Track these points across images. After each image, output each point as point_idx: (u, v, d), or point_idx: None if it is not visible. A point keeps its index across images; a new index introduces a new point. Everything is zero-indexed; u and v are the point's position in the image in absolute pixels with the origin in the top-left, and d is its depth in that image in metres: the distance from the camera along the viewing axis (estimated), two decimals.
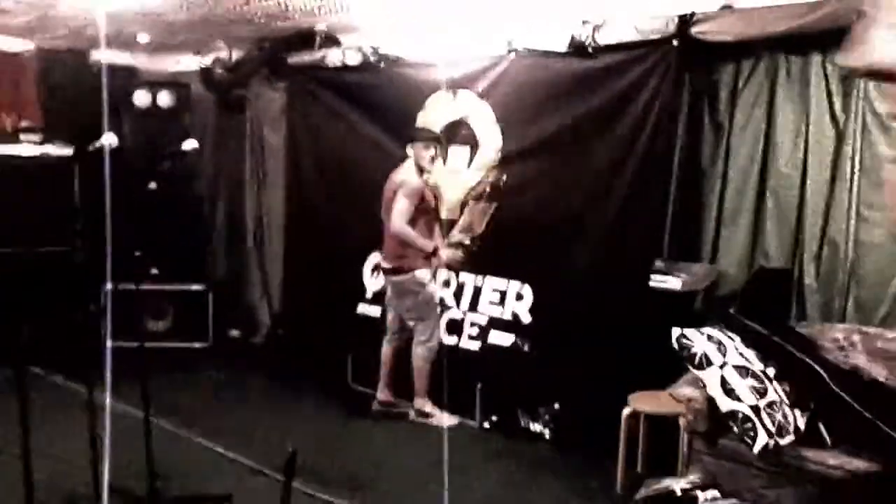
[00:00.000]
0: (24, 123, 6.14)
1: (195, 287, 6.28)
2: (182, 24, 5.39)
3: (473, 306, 5.00)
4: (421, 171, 4.71)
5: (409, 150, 4.74)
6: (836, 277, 3.82)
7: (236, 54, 6.27)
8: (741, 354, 3.36)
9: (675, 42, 4.03)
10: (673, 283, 3.99)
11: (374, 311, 5.47)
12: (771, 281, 3.99)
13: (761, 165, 4.06)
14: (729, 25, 3.91)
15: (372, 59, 5.35)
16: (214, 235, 6.96)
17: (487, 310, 4.94)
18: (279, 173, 6.28)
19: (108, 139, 3.67)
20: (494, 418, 4.72)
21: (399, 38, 5.20)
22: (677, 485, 3.16)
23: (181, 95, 6.32)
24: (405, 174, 4.69)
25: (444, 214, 5.03)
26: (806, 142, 3.90)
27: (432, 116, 5.13)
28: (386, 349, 5.00)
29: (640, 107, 4.21)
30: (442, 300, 5.01)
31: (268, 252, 6.47)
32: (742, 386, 3.23)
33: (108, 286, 4.99)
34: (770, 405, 3.20)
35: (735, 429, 3.19)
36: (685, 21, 3.99)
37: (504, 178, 4.83)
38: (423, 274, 4.72)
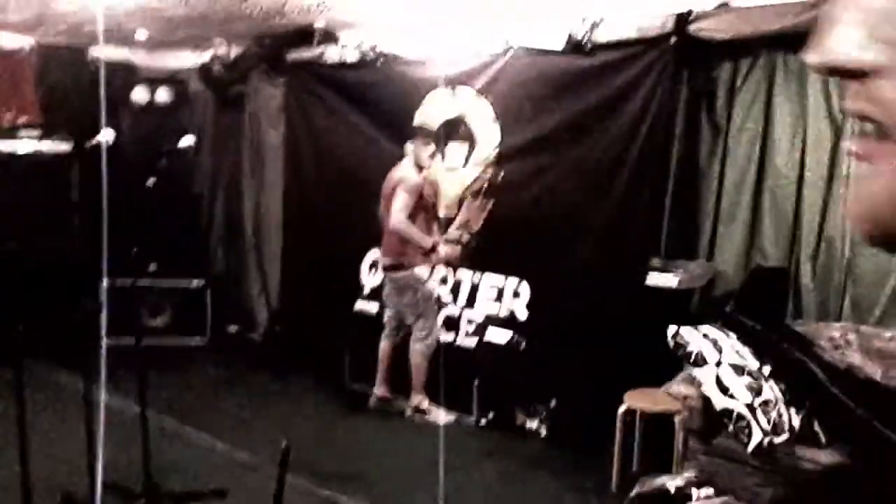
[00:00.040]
0: (22, 120, 6.14)
1: (193, 283, 6.29)
2: (181, 21, 5.39)
3: (470, 303, 5.01)
4: (420, 167, 4.71)
5: (409, 147, 4.75)
6: (833, 276, 3.83)
7: (235, 51, 6.27)
8: (737, 353, 3.37)
9: (672, 40, 4.03)
10: (670, 280, 3.99)
11: (371, 307, 5.48)
12: (767, 279, 4.00)
13: (759, 164, 4.07)
14: (726, 23, 3.92)
15: (370, 56, 5.35)
16: (213, 232, 6.97)
17: (484, 307, 4.95)
18: (277, 170, 6.28)
19: (105, 135, 3.67)
20: (491, 415, 4.73)
21: (397, 35, 5.20)
22: (672, 482, 3.17)
23: (179, 92, 6.33)
24: (404, 171, 4.70)
25: (441, 211, 5.04)
26: (803, 140, 3.90)
27: (430, 113, 5.13)
28: (384, 345, 5.00)
29: (637, 105, 4.21)
30: (439, 297, 5.01)
31: (266, 248, 6.48)
32: (737, 384, 3.24)
33: (105, 282, 4.99)
34: (765, 403, 3.21)
35: (730, 427, 3.20)
36: (683, 19, 3.99)
37: (501, 175, 4.84)
38: (422, 270, 4.73)
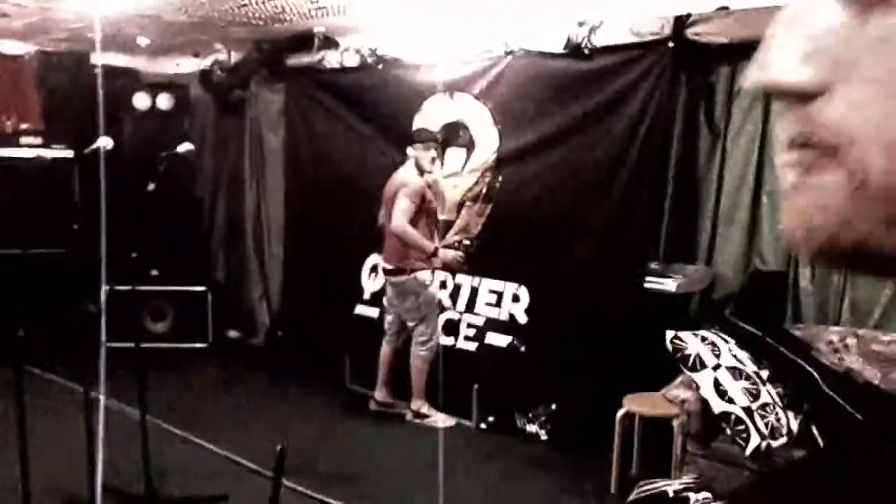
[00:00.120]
0: (24, 126, 6.16)
1: (195, 288, 6.30)
2: (181, 26, 5.41)
3: (470, 307, 5.02)
4: (422, 171, 4.72)
5: (410, 151, 4.76)
6: (831, 280, 3.83)
7: (235, 56, 6.30)
8: (735, 356, 3.37)
9: (671, 43, 4.04)
10: (668, 284, 4.00)
11: (371, 312, 5.48)
12: (766, 283, 4.00)
13: (757, 166, 4.07)
14: (725, 27, 3.92)
15: (370, 60, 5.37)
16: (214, 236, 6.98)
17: (484, 311, 4.95)
18: (278, 174, 6.30)
19: (103, 142, 3.69)
20: (491, 419, 4.73)
21: (397, 39, 5.22)
22: (670, 487, 3.17)
23: (181, 97, 6.35)
24: (406, 175, 4.70)
25: (441, 216, 5.05)
26: None
27: (430, 118, 5.14)
28: (385, 349, 5.01)
29: (636, 108, 4.21)
30: (440, 301, 5.02)
31: (267, 253, 6.49)
32: (735, 388, 3.24)
33: (103, 287, 5.01)
34: (763, 407, 3.21)
35: (728, 430, 3.20)
36: (681, 22, 4.00)
37: (500, 179, 4.85)
38: (424, 275, 4.73)
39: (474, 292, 5.00)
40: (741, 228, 4.12)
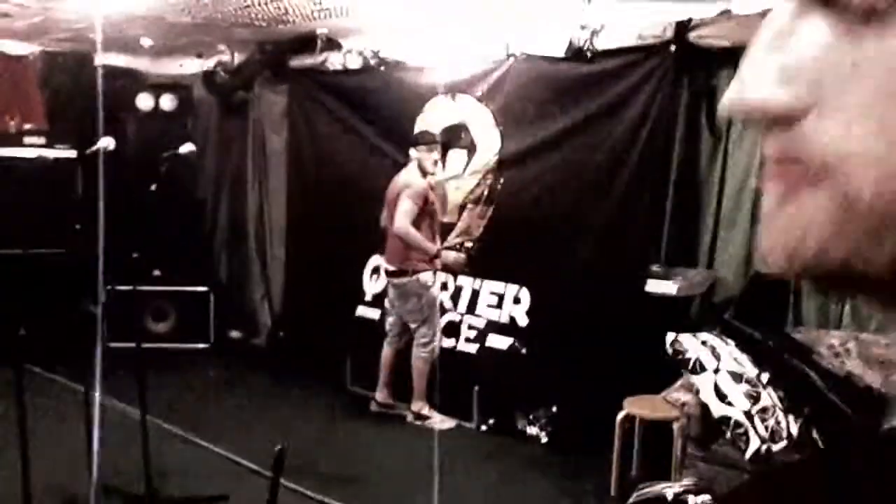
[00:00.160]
0: (28, 126, 6.18)
1: (197, 288, 6.31)
2: (184, 27, 5.43)
3: (471, 309, 5.02)
4: (424, 173, 4.72)
5: (413, 153, 4.76)
6: None
7: (238, 58, 6.31)
8: (735, 360, 3.37)
9: (672, 47, 4.04)
10: (669, 288, 4.00)
11: (373, 313, 5.49)
12: (767, 286, 3.99)
13: (759, 170, 4.06)
14: (727, 31, 3.92)
15: (372, 62, 5.38)
16: (216, 237, 6.99)
17: (485, 313, 4.95)
18: (281, 175, 6.31)
19: (105, 143, 3.70)
20: (491, 421, 4.73)
21: (399, 41, 5.23)
22: (670, 489, 3.17)
23: (184, 98, 6.36)
24: (409, 177, 4.70)
25: (443, 218, 5.05)
26: None
27: (431, 120, 5.15)
28: (386, 351, 5.01)
29: (637, 112, 4.22)
30: (442, 303, 5.02)
31: (269, 254, 6.50)
32: (735, 391, 3.24)
33: (102, 287, 5.02)
34: (763, 411, 3.21)
35: (728, 434, 3.20)
36: (683, 26, 4.00)
37: (502, 181, 4.85)
38: (426, 276, 4.73)
39: (475, 294, 5.01)
40: (742, 232, 4.12)
